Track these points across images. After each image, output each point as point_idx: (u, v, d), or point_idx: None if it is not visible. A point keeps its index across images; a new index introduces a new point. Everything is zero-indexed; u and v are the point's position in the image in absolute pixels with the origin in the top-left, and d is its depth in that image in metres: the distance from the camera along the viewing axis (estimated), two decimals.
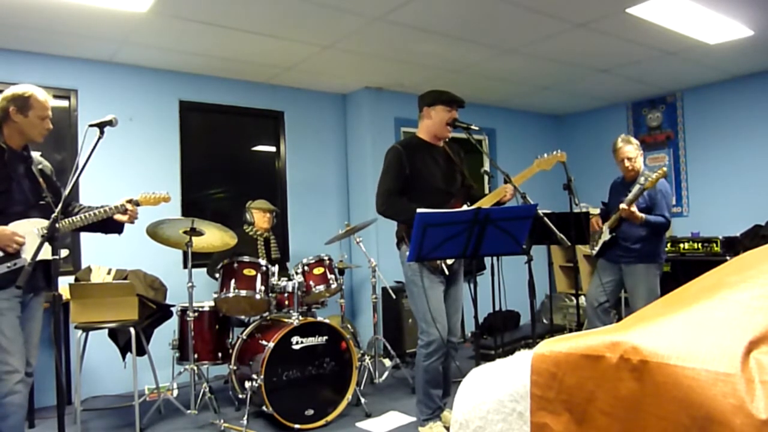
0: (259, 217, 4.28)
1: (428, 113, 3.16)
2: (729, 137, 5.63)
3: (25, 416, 2.39)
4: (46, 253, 2.26)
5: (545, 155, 3.20)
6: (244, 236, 4.18)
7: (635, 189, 3.63)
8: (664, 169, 3.57)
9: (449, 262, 3.07)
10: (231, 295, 3.54)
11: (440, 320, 2.99)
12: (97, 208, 2.67)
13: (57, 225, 2.15)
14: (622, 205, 3.59)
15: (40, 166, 2.64)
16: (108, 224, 2.72)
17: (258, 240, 4.26)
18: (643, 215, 3.60)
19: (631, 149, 3.80)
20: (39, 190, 2.56)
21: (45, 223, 2.48)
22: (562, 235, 2.92)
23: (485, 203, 3.05)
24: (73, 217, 2.60)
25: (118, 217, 2.68)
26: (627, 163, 3.81)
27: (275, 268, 3.78)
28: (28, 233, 2.42)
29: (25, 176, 2.54)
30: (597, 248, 3.95)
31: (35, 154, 2.65)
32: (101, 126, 2.30)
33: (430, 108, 3.15)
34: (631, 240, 3.76)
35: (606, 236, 3.86)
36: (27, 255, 2.38)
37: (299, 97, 5.42)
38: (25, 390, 2.37)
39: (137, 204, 2.76)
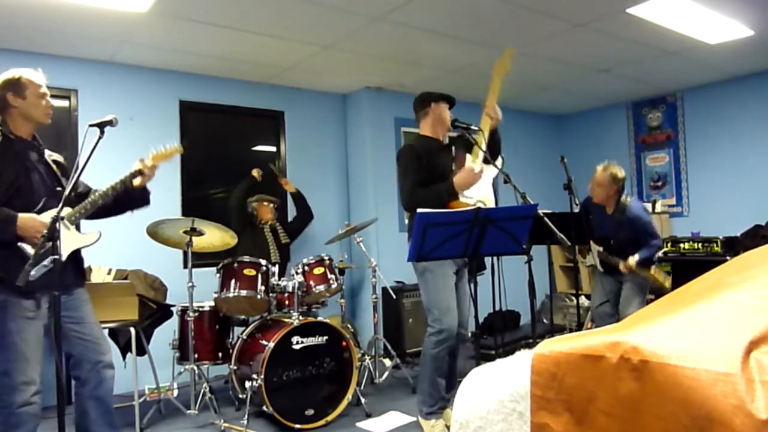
0: (261, 208, 4.49)
1: (433, 109, 3.28)
2: (729, 137, 5.63)
3: (37, 426, 2.36)
4: (75, 241, 2.17)
5: (497, 60, 3.29)
6: (251, 232, 4.37)
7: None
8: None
9: None
10: (231, 295, 3.54)
11: (453, 307, 3.06)
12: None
13: (57, 225, 2.06)
14: (622, 267, 3.73)
15: (53, 157, 2.56)
16: (131, 197, 2.62)
17: (265, 228, 4.45)
18: (638, 259, 3.70)
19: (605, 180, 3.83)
20: (56, 176, 2.48)
21: (69, 210, 2.40)
22: (562, 235, 2.92)
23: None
24: (91, 197, 2.47)
25: (136, 182, 2.58)
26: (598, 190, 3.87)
27: (275, 269, 3.80)
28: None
29: (40, 162, 2.46)
30: (588, 265, 4.12)
31: None
32: (101, 126, 2.27)
33: (435, 104, 3.28)
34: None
35: (596, 263, 3.98)
36: (63, 250, 2.21)
37: (299, 97, 5.42)
38: (40, 401, 2.32)
39: (151, 163, 2.62)
